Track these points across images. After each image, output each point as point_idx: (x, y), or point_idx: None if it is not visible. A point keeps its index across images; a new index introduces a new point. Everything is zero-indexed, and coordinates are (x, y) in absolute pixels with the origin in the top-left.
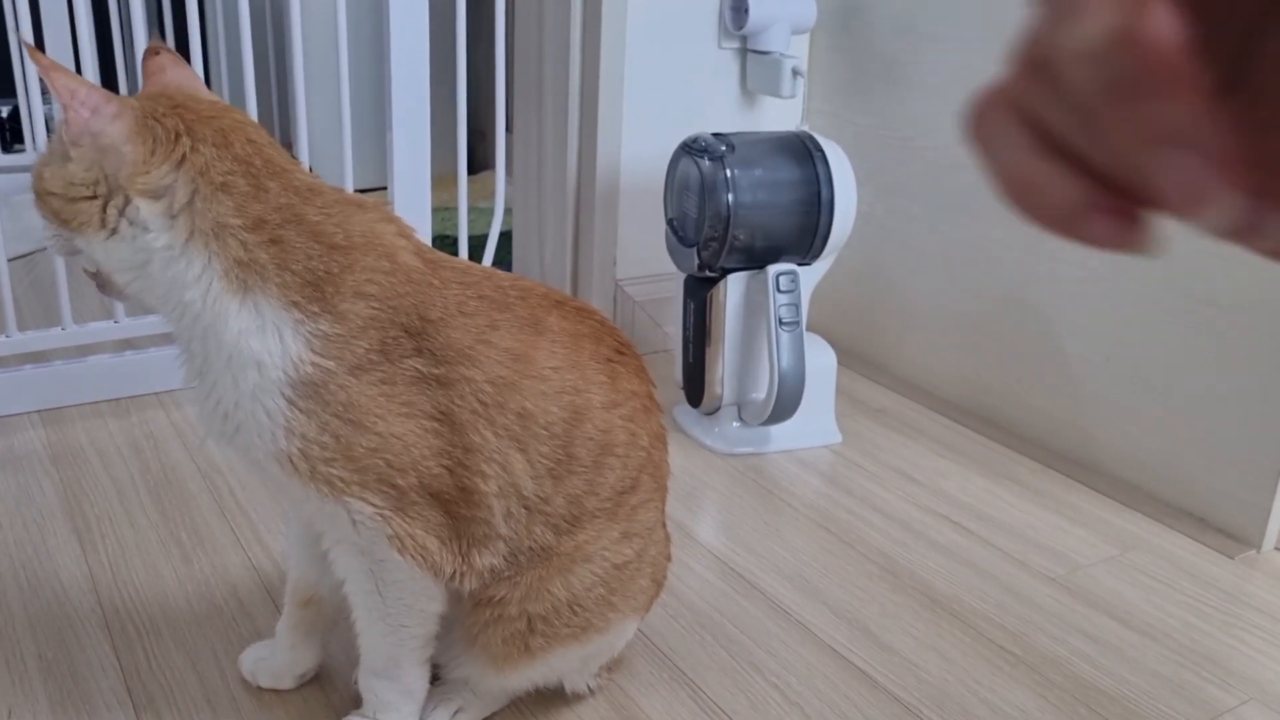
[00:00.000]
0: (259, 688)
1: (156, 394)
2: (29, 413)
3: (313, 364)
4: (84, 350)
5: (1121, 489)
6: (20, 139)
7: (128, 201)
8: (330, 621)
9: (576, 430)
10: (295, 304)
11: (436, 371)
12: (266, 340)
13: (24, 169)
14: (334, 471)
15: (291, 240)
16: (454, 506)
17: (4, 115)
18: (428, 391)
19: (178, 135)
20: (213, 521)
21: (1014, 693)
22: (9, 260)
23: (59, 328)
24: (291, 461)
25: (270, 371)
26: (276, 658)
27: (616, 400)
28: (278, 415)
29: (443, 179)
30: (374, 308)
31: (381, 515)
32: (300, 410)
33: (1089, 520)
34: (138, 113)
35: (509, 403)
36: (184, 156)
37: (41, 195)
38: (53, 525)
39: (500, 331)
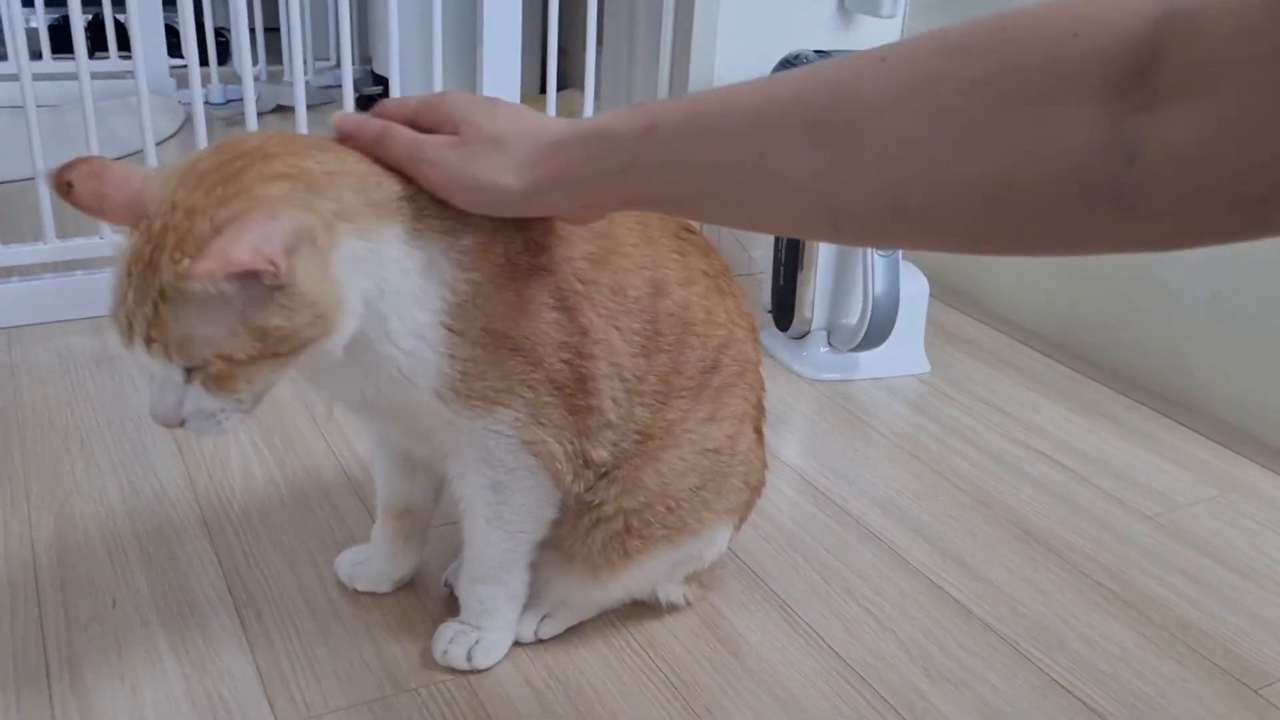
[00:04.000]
0: (355, 590)
1: None
2: None
3: (466, 281)
4: None
5: (1222, 430)
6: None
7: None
8: (426, 525)
9: (659, 305)
10: (445, 229)
11: (539, 260)
12: (430, 276)
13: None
14: (486, 384)
15: None
16: (573, 399)
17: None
18: (538, 283)
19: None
20: (304, 426)
21: (1113, 629)
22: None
23: None
24: (453, 388)
25: (432, 302)
26: (374, 563)
27: (690, 278)
28: (440, 346)
29: (523, 98)
30: None
31: (519, 420)
32: (455, 332)
33: (1187, 460)
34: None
35: (602, 279)
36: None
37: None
38: (148, 424)
39: None
